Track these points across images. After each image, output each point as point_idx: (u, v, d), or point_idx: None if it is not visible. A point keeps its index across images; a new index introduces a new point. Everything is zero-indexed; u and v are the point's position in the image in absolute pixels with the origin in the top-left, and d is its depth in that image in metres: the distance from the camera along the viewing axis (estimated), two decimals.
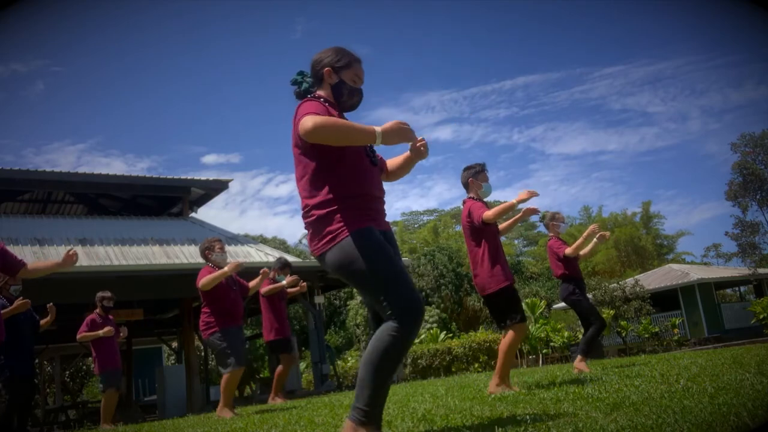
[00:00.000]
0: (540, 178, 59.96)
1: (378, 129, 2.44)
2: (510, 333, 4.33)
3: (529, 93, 59.50)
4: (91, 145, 66.52)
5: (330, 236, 2.43)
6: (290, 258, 18.61)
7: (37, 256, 11.98)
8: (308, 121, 2.35)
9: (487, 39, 61.81)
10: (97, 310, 7.35)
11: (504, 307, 4.35)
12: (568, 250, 5.97)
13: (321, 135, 2.36)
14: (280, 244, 35.30)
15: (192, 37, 64.15)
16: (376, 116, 60.86)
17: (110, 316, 7.49)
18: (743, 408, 2.20)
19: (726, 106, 50.72)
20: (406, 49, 63.49)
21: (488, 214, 4.35)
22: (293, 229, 74.81)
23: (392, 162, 2.91)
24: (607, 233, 6.34)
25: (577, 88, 56.82)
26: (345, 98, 2.61)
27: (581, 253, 6.07)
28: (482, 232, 4.44)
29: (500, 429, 2.40)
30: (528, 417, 2.62)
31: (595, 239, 6.03)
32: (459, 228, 38.73)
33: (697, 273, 22.88)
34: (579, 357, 5.73)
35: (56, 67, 59.51)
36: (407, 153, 2.82)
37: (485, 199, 4.65)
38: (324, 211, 2.46)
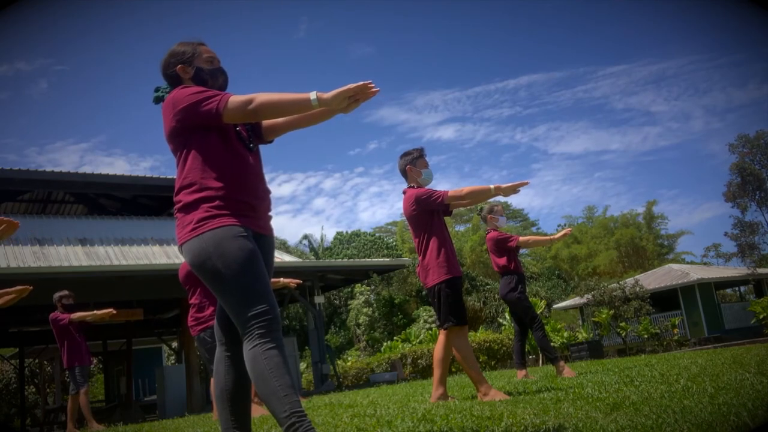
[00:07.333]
0: (542, 178, 59.94)
1: (313, 94, 2.15)
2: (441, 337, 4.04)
3: (532, 92, 59.44)
4: (94, 144, 66.54)
5: (191, 226, 2.24)
6: (290, 258, 18.63)
7: (37, 256, 11.98)
8: (234, 100, 2.19)
9: (490, 38, 61.87)
10: (58, 311, 7.00)
11: (441, 305, 3.98)
12: (524, 239, 5.66)
13: (260, 111, 2.19)
14: (281, 245, 35.28)
15: (195, 36, 64.05)
16: (378, 115, 60.94)
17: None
18: (743, 408, 2.20)
19: (729, 105, 50.75)
20: (408, 48, 63.53)
21: (452, 191, 4.02)
22: (294, 229, 74.81)
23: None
24: (569, 230, 6.26)
25: (580, 88, 56.81)
26: (210, 83, 2.43)
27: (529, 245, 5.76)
28: (428, 221, 4.08)
29: (500, 429, 2.40)
30: (528, 417, 2.62)
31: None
32: (460, 228, 38.71)
33: (697, 273, 22.86)
34: (560, 364, 5.49)
35: (59, 66, 59.53)
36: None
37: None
38: (190, 198, 2.27)
